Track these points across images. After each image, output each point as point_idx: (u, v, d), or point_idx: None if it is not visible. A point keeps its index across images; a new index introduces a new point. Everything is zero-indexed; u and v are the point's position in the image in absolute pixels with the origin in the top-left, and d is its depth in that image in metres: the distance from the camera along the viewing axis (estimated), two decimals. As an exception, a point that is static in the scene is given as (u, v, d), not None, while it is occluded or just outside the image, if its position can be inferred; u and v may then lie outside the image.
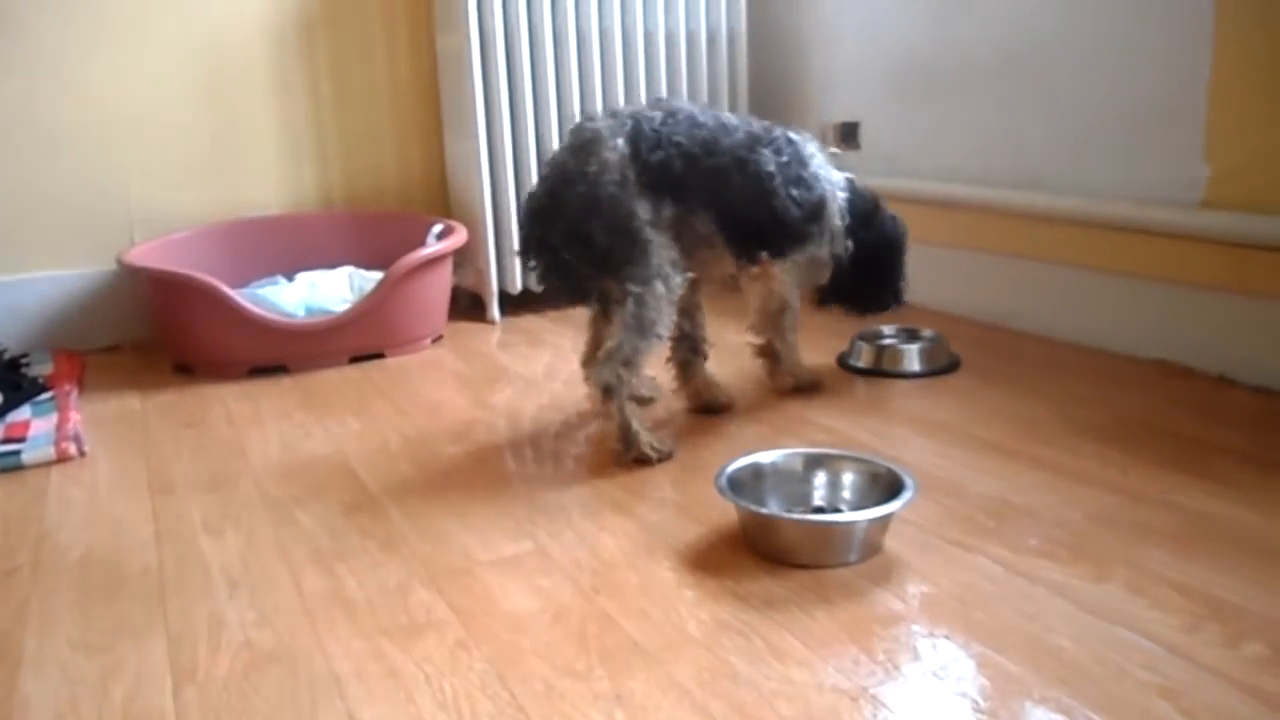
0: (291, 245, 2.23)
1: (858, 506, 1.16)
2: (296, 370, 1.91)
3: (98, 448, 1.55)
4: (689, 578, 1.06)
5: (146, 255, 2.00)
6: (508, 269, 2.22)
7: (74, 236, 2.10)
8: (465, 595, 1.05)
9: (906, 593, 1.02)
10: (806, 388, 1.63)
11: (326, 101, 2.28)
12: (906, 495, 1.10)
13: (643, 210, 1.36)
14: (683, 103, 1.48)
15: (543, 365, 1.88)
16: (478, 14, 2.07)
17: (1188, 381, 1.60)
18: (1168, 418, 1.45)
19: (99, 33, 2.06)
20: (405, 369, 1.91)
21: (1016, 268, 1.93)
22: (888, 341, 1.80)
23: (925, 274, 1.68)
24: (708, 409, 1.57)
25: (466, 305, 2.31)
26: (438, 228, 2.10)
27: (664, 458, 1.37)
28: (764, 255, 1.49)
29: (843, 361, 1.79)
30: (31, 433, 1.57)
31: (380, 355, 1.98)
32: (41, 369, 1.90)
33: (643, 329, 1.36)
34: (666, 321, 1.38)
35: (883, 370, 1.73)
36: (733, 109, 2.33)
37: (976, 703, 0.84)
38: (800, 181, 1.47)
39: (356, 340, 1.95)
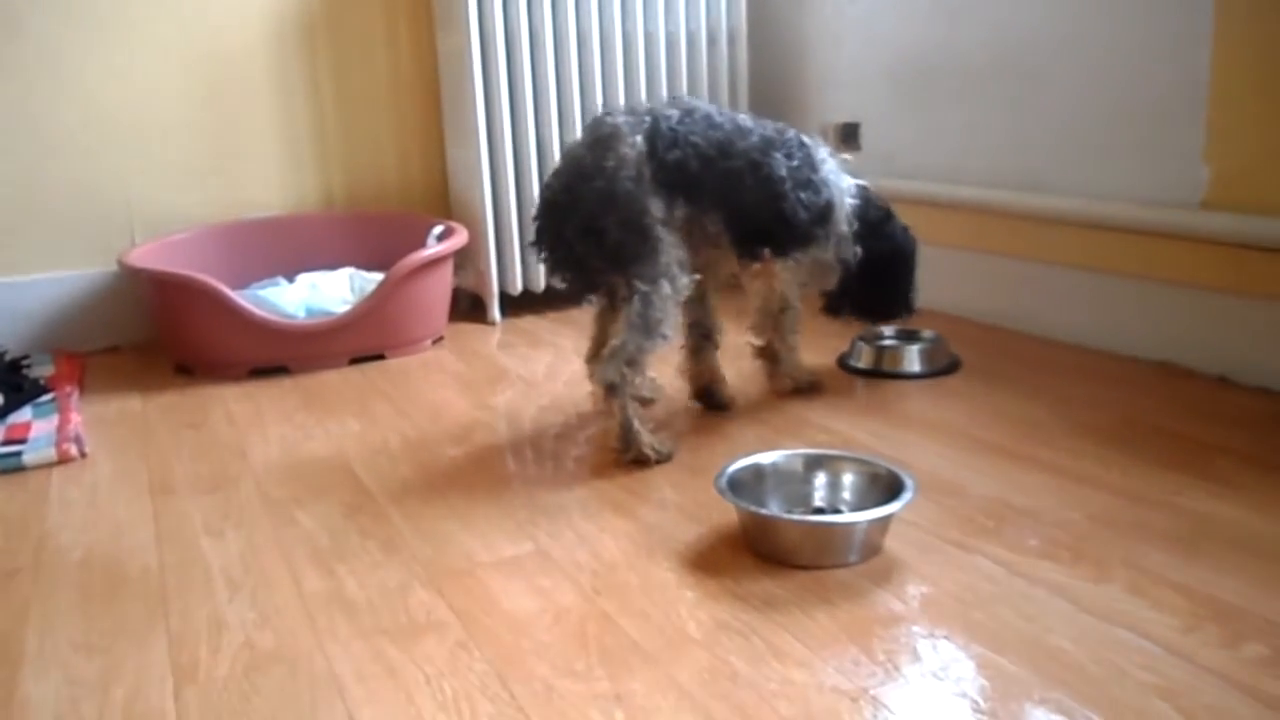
0: (292, 246, 2.23)
1: (858, 507, 1.16)
2: (297, 371, 1.91)
3: (98, 449, 1.55)
4: (689, 578, 1.06)
5: (147, 256, 2.01)
6: (508, 270, 2.22)
7: (74, 237, 2.10)
8: (465, 596, 1.05)
9: (906, 593, 1.02)
10: (806, 389, 1.63)
11: (327, 102, 2.28)
12: (906, 496, 1.10)
13: (656, 208, 1.37)
14: (700, 102, 1.48)
15: (543, 366, 1.88)
16: (478, 14, 2.08)
17: (1188, 382, 1.60)
18: (1168, 419, 1.45)
19: (99, 33, 2.06)
20: (406, 370, 1.91)
21: (1017, 269, 1.93)
22: (888, 342, 1.80)
23: (925, 275, 1.68)
24: (709, 399, 1.59)
25: (467, 306, 2.31)
26: (438, 229, 2.10)
27: (663, 459, 1.37)
28: (766, 253, 1.50)
29: (843, 362, 1.79)
30: (32, 434, 1.57)
31: (381, 356, 1.98)
32: (42, 370, 1.91)
33: (648, 328, 1.36)
34: (672, 322, 1.39)
35: (883, 371, 1.73)
36: (734, 109, 2.33)
37: (976, 703, 0.84)
38: (809, 185, 1.48)
39: (357, 341, 1.95)
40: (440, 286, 2.06)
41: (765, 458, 1.22)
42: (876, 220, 1.60)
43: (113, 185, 2.12)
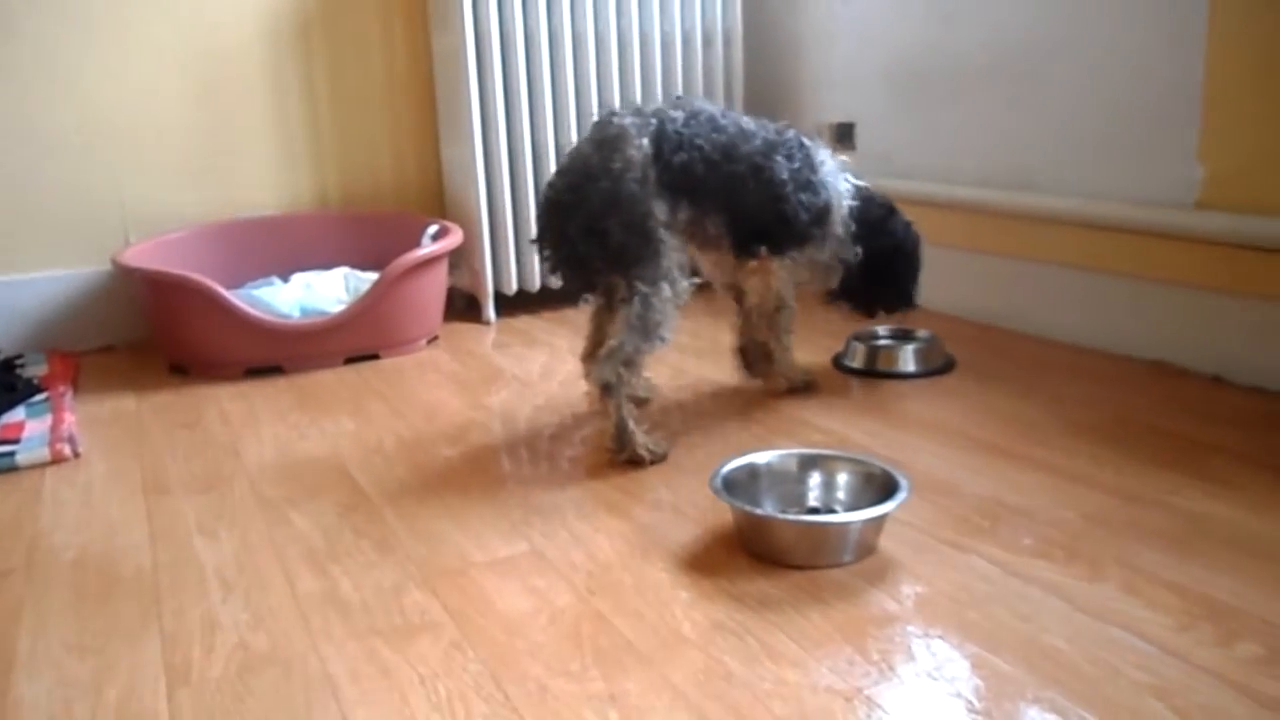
0: (287, 246, 2.23)
1: (852, 507, 1.16)
2: (291, 371, 1.91)
3: (92, 449, 1.55)
4: (684, 578, 1.06)
5: (141, 256, 2.00)
6: (503, 270, 2.21)
7: (69, 237, 2.10)
8: (460, 596, 1.05)
9: (901, 593, 1.02)
10: (801, 389, 1.63)
11: (322, 102, 2.28)
12: (901, 496, 1.10)
13: (659, 211, 1.37)
14: (704, 103, 1.49)
15: (538, 366, 1.88)
16: (473, 14, 2.07)
17: (1182, 382, 1.60)
18: (1162, 418, 1.45)
19: (94, 33, 2.06)
20: (400, 370, 1.91)
21: (1011, 268, 1.93)
22: (883, 342, 1.80)
23: (921, 275, 1.69)
24: (790, 390, 1.63)
25: (462, 306, 2.31)
26: (433, 228, 2.10)
27: (658, 459, 1.37)
28: (763, 250, 1.50)
29: (838, 362, 1.79)
30: (26, 434, 1.56)
31: (375, 356, 1.98)
32: (36, 370, 1.90)
33: (646, 330, 1.36)
34: (670, 324, 1.39)
35: (878, 371, 1.73)
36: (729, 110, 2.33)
37: (971, 703, 0.84)
38: (809, 186, 1.49)
39: (352, 341, 1.95)
40: (435, 286, 2.06)
41: (760, 458, 1.22)
42: (877, 219, 1.60)
43: (107, 184, 2.12)
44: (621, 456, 1.37)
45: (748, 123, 1.49)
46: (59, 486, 1.41)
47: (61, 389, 1.77)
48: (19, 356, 2.00)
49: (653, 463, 1.37)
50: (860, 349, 1.77)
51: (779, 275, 1.53)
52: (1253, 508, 1.16)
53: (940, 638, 0.93)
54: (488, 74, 2.11)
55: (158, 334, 2.02)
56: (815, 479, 1.21)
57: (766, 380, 1.64)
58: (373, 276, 1.98)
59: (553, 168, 2.08)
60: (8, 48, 2.00)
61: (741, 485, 1.17)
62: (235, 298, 1.86)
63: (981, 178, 1.97)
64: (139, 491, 1.38)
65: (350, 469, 1.42)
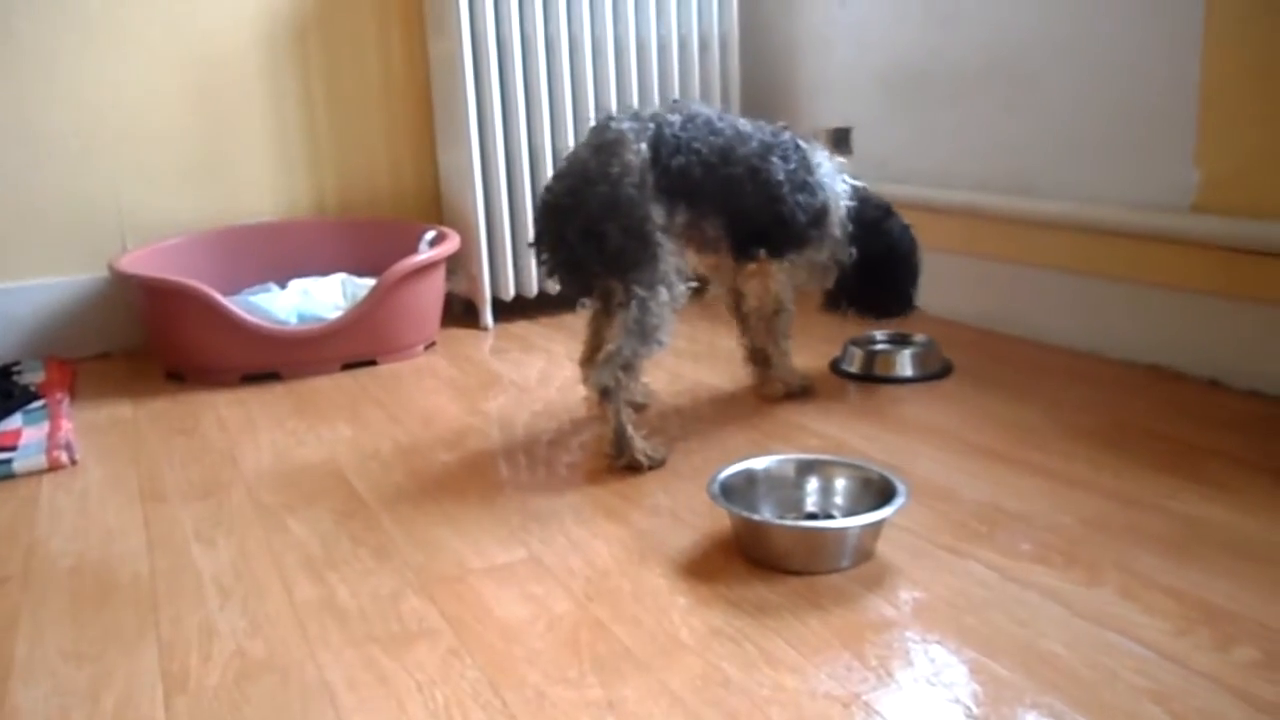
0: (284, 252, 2.23)
1: (850, 512, 1.16)
2: (289, 377, 1.91)
3: (89, 456, 1.55)
4: (682, 584, 1.06)
5: (138, 262, 2.00)
6: (501, 275, 2.21)
7: (65, 243, 2.10)
8: (457, 603, 1.05)
9: (899, 598, 1.02)
10: (798, 393, 1.63)
11: (319, 107, 2.28)
12: (899, 501, 1.10)
13: (657, 215, 1.37)
14: (700, 106, 1.49)
15: (536, 372, 1.88)
16: (470, 19, 2.08)
17: (1179, 386, 1.60)
18: (1160, 422, 1.45)
19: (91, 38, 2.06)
20: (398, 376, 1.91)
21: (1008, 272, 1.93)
22: (880, 347, 1.80)
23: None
24: (787, 395, 1.64)
25: (459, 312, 2.31)
26: (430, 234, 2.10)
27: (656, 465, 1.37)
28: (761, 253, 1.50)
29: (835, 367, 1.79)
30: (23, 441, 1.56)
31: (373, 362, 1.98)
32: (33, 377, 1.90)
33: (644, 334, 1.36)
34: (668, 328, 1.39)
35: (875, 375, 1.73)
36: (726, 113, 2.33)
37: (969, 708, 0.84)
38: (806, 187, 1.50)
39: (349, 347, 1.95)
40: (432, 292, 2.06)
41: (757, 463, 1.22)
42: (873, 220, 1.60)
43: (104, 190, 2.12)
44: (620, 462, 1.37)
45: (744, 125, 1.49)
46: (56, 494, 1.41)
47: (58, 396, 1.76)
48: (16, 363, 2.00)
49: (651, 468, 1.37)
50: (857, 353, 1.77)
51: (778, 278, 1.54)
52: (1250, 511, 1.16)
53: (938, 643, 0.93)
54: (484, 79, 2.11)
55: (155, 340, 2.02)
56: (813, 484, 1.21)
57: (764, 384, 1.64)
58: (370, 282, 1.98)
59: (550, 173, 2.08)
60: (4, 52, 2.00)
61: (739, 491, 1.17)
62: (232, 304, 1.86)
63: (978, 182, 1.97)
64: (136, 498, 1.38)
65: (348, 475, 1.42)
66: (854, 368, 1.76)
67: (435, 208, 2.40)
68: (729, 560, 1.11)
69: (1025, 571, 1.05)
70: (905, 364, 1.73)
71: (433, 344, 2.10)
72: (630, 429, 1.37)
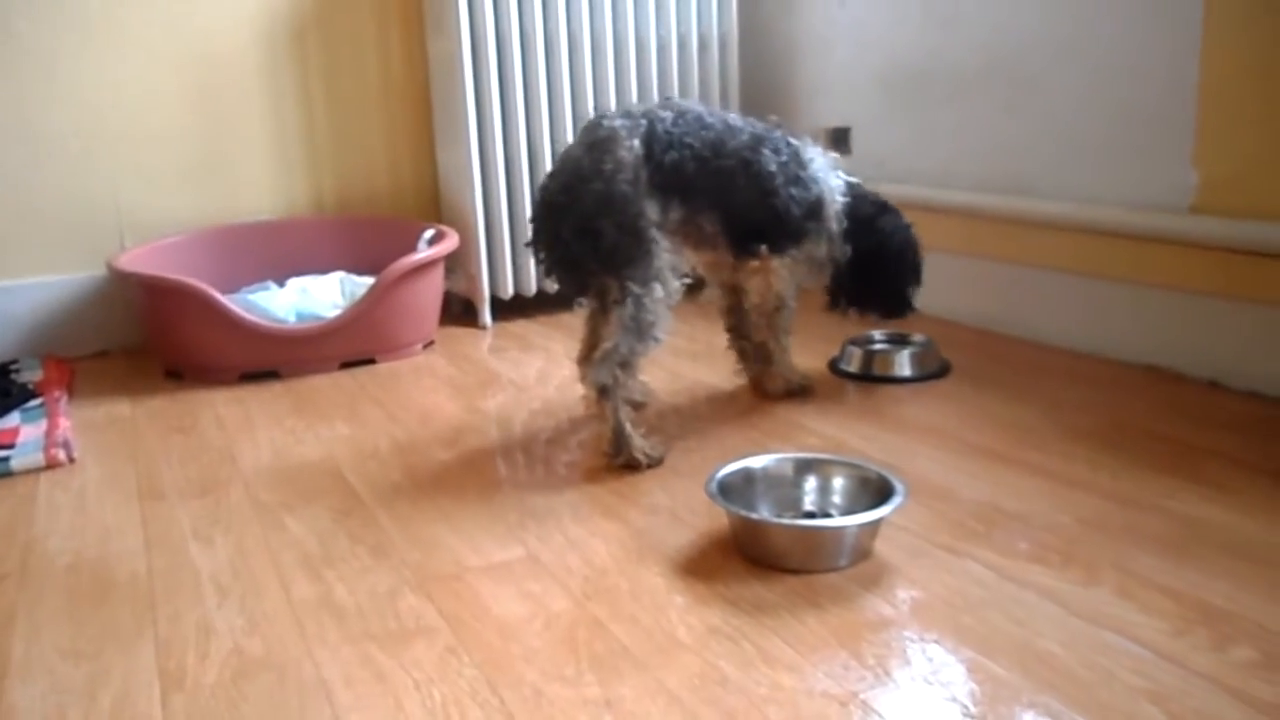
0: (282, 250, 2.22)
1: (848, 511, 1.16)
2: (287, 376, 1.91)
3: (87, 454, 1.55)
4: (679, 583, 1.06)
5: (137, 260, 2.00)
6: (499, 274, 2.21)
7: (64, 241, 2.10)
8: (455, 601, 1.05)
9: (896, 598, 1.02)
10: (798, 391, 1.63)
11: (318, 106, 2.28)
12: (896, 500, 1.10)
13: (651, 211, 1.38)
14: (690, 102, 1.50)
15: (534, 370, 1.88)
16: (469, 18, 2.07)
17: (1178, 386, 1.60)
18: (1159, 423, 1.45)
19: (90, 37, 2.05)
20: (396, 374, 1.91)
21: (1007, 273, 1.93)
22: (878, 346, 1.80)
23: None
24: (787, 393, 1.64)
25: (458, 310, 2.31)
26: (429, 233, 2.10)
27: (654, 464, 1.37)
28: (763, 249, 1.51)
29: (833, 366, 1.79)
30: (20, 439, 1.56)
31: (371, 361, 1.98)
32: (31, 375, 1.90)
33: (640, 331, 1.36)
34: (664, 325, 1.39)
35: (873, 375, 1.73)
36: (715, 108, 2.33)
37: (966, 708, 0.84)
38: (799, 181, 1.50)
39: (348, 346, 1.95)
40: (431, 291, 2.06)
41: (755, 462, 1.22)
42: (867, 216, 1.60)
43: (102, 189, 2.12)
44: (618, 460, 1.37)
45: (734, 119, 1.50)
46: (54, 491, 1.41)
47: (56, 394, 1.76)
48: (14, 361, 2.00)
49: (649, 467, 1.37)
50: (856, 353, 1.77)
51: (780, 274, 1.54)
52: (1249, 512, 1.16)
53: (935, 642, 0.93)
54: (483, 78, 2.11)
55: (153, 339, 2.02)
56: (811, 483, 1.21)
57: (767, 380, 1.64)
58: (369, 281, 1.98)
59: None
60: (4, 52, 1.99)
61: (737, 489, 1.17)
62: (231, 302, 1.86)
63: (977, 182, 1.97)
64: (134, 497, 1.38)
65: (346, 474, 1.42)
66: (852, 367, 1.76)
67: (434, 206, 2.40)
68: (727, 559, 1.11)
69: (1023, 571, 1.05)
70: (904, 364, 1.73)
71: (431, 343, 2.10)
72: (628, 427, 1.37)
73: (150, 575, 1.14)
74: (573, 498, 1.30)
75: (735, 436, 1.48)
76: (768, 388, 1.64)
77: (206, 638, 1.00)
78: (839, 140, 2.27)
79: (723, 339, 1.68)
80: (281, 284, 2.08)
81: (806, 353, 1.81)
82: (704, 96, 2.33)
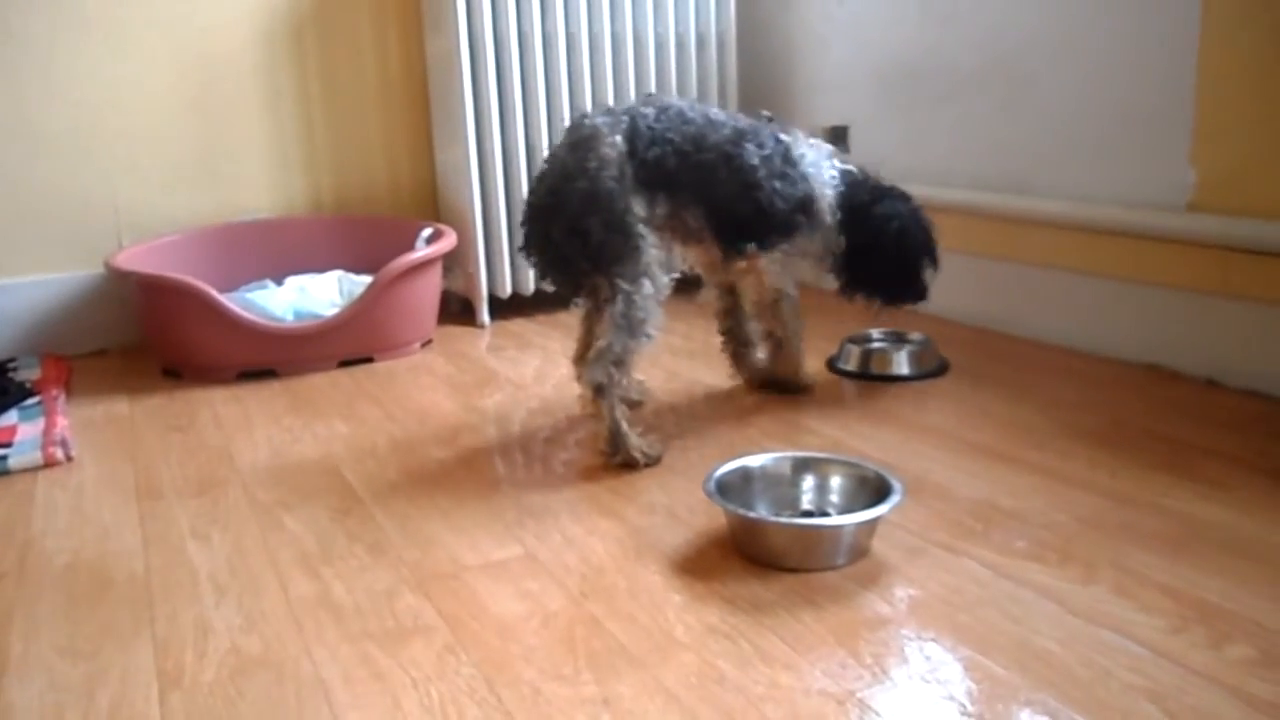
0: (281, 249, 2.22)
1: (845, 510, 1.16)
2: (285, 374, 1.91)
3: (85, 452, 1.55)
4: (677, 582, 1.06)
5: (135, 259, 2.00)
6: (497, 273, 2.21)
7: (62, 240, 2.09)
8: (453, 600, 1.05)
9: (894, 596, 1.02)
10: (793, 387, 1.63)
11: (316, 105, 2.28)
12: (894, 499, 1.10)
13: (638, 207, 1.38)
14: (672, 98, 1.50)
15: (532, 369, 1.88)
16: (467, 17, 2.07)
17: (1175, 384, 1.60)
18: (1156, 421, 1.45)
19: (88, 36, 2.05)
20: (394, 373, 1.91)
21: (1004, 271, 1.93)
22: (876, 345, 1.80)
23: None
24: (779, 389, 1.65)
25: (456, 309, 2.31)
26: (427, 231, 2.10)
27: (651, 462, 1.37)
28: (750, 248, 1.50)
29: (831, 365, 1.79)
30: (18, 438, 1.56)
31: (369, 359, 1.98)
32: (29, 373, 1.90)
33: (632, 328, 1.36)
34: (655, 321, 1.39)
35: (871, 374, 1.73)
36: (722, 110, 2.33)
37: (964, 706, 0.84)
38: (785, 175, 1.48)
39: (345, 344, 1.95)
40: (429, 289, 2.06)
41: (753, 460, 1.22)
42: (862, 204, 1.56)
43: (100, 187, 2.11)
44: (615, 459, 1.37)
45: (716, 113, 1.49)
46: (51, 490, 1.41)
47: (54, 392, 1.76)
48: (12, 360, 1.99)
49: (646, 465, 1.37)
50: (854, 351, 1.77)
51: (771, 271, 1.53)
52: (1246, 510, 1.16)
53: (933, 641, 0.93)
54: (481, 77, 2.11)
55: (151, 337, 2.02)
56: (808, 482, 1.21)
57: (778, 365, 1.63)
58: (367, 280, 1.98)
59: (547, 171, 2.08)
60: (2, 51, 1.99)
61: (735, 488, 1.17)
62: (229, 301, 1.86)
63: (975, 181, 1.97)
64: (132, 495, 1.38)
65: (344, 472, 1.42)
66: (850, 365, 1.76)
67: (432, 205, 2.40)
68: (724, 558, 1.11)
69: (1020, 569, 1.05)
70: (902, 362, 1.73)
71: (429, 341, 2.10)
72: (625, 426, 1.37)
73: (148, 574, 1.14)
74: (571, 496, 1.30)
75: (733, 435, 1.49)
76: (776, 372, 1.64)
77: (204, 636, 1.00)
78: (837, 138, 2.27)
79: (719, 338, 1.68)
80: (279, 283, 2.08)
81: (806, 350, 1.81)
82: (702, 95, 2.33)
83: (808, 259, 1.58)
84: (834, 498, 1.19)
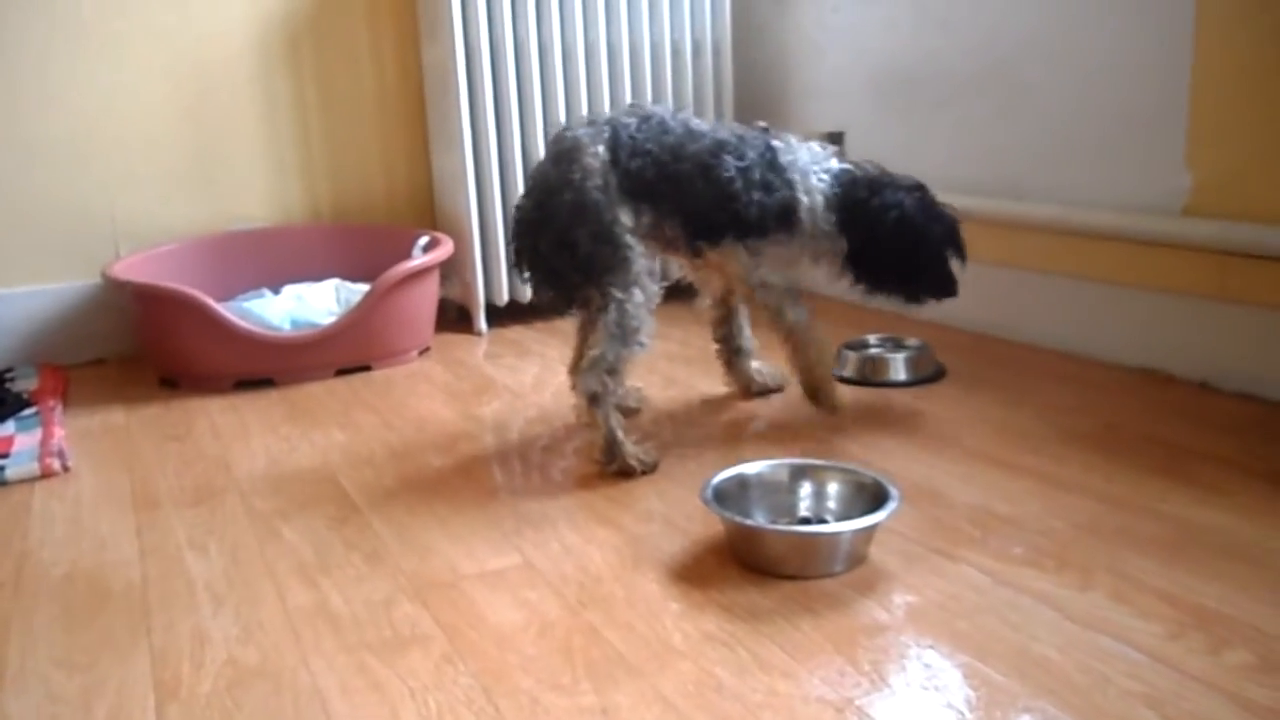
0: (277, 258, 2.22)
1: (843, 517, 1.16)
2: (282, 383, 1.91)
3: (82, 463, 1.54)
4: (674, 590, 1.06)
5: (132, 268, 2.00)
6: (494, 280, 2.21)
7: (59, 250, 2.09)
8: (450, 609, 1.05)
9: (892, 603, 1.02)
10: (760, 389, 1.66)
11: (312, 114, 2.28)
12: (891, 505, 1.10)
13: (624, 216, 1.38)
14: (655, 107, 1.48)
15: (530, 377, 1.88)
16: (463, 26, 2.08)
17: (1171, 388, 1.60)
18: (1152, 425, 1.45)
19: (84, 44, 2.05)
20: (392, 381, 1.90)
21: (1000, 276, 1.93)
22: (874, 351, 1.80)
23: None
24: (761, 394, 1.67)
25: (453, 317, 2.31)
26: (424, 239, 2.10)
27: (648, 470, 1.37)
28: (702, 245, 1.46)
29: (829, 371, 1.79)
30: (15, 448, 1.56)
31: (367, 368, 1.98)
32: (26, 384, 1.89)
33: (625, 337, 1.37)
34: (648, 329, 1.39)
35: (869, 380, 1.73)
36: (718, 119, 2.34)
37: (962, 713, 0.84)
38: (766, 185, 1.44)
39: (343, 353, 1.95)
40: (426, 297, 2.06)
41: (750, 468, 1.22)
42: (860, 201, 1.50)
43: (97, 197, 2.11)
44: (611, 467, 1.37)
45: (697, 123, 1.47)
46: (48, 501, 1.41)
47: (51, 403, 1.76)
48: (9, 370, 1.99)
49: (643, 473, 1.37)
50: (851, 357, 1.77)
51: (738, 260, 1.47)
52: (1242, 514, 1.16)
53: (931, 648, 0.93)
54: (477, 85, 2.11)
55: (148, 347, 2.02)
56: (806, 489, 1.21)
57: (801, 362, 1.55)
58: (364, 288, 1.98)
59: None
60: (-3, 61, 2.00)
61: (732, 496, 1.17)
62: (226, 310, 1.86)
63: (971, 186, 1.98)
64: (129, 506, 1.37)
65: (341, 481, 1.42)
66: (848, 372, 1.76)
67: (429, 213, 2.40)
68: (722, 565, 1.11)
69: (1018, 575, 1.05)
70: (899, 368, 1.73)
71: (427, 349, 2.10)
72: (620, 434, 1.37)
73: (145, 584, 1.14)
74: (568, 505, 1.30)
75: (730, 442, 1.49)
76: (804, 392, 1.58)
77: (201, 647, 1.00)
78: (833, 144, 2.27)
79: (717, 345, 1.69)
80: (276, 291, 2.08)
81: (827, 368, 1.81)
82: (698, 102, 2.33)
83: (794, 266, 1.53)
84: (831, 504, 1.19)
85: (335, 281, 2.10)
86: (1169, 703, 0.84)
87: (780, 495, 1.20)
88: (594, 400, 1.36)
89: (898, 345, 1.82)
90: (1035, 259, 1.85)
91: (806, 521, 1.18)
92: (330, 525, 1.27)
